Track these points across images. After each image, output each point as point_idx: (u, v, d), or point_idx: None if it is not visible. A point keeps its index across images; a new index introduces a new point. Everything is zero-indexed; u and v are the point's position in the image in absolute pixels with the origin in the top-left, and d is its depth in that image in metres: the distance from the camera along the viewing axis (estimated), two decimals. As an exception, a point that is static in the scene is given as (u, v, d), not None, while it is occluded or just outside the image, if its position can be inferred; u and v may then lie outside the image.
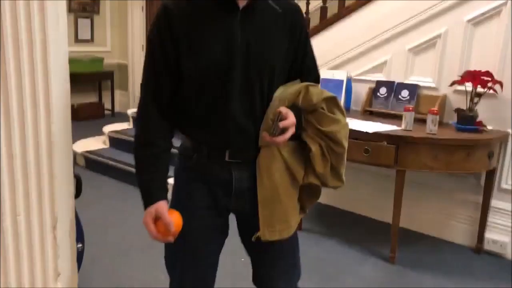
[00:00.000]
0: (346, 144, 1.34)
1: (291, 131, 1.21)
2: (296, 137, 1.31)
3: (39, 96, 1.19)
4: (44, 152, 1.23)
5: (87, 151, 4.40)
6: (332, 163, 1.34)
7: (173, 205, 1.35)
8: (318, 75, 1.43)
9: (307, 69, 1.39)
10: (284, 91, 1.29)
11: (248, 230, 1.38)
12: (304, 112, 1.32)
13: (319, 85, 1.40)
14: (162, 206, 1.24)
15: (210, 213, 1.35)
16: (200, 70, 1.24)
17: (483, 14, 2.80)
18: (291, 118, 1.20)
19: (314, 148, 1.32)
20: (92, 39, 6.64)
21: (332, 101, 1.33)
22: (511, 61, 2.73)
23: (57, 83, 1.21)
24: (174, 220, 1.21)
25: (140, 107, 1.30)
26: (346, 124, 1.35)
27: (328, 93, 1.33)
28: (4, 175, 1.21)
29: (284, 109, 1.21)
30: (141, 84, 1.31)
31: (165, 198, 1.27)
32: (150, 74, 1.29)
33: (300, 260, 1.50)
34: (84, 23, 6.44)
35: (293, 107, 1.27)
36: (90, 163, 4.32)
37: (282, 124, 1.19)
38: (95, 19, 6.64)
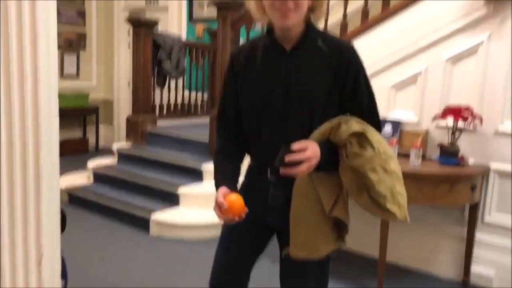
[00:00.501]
0: (373, 176, 1.39)
1: (307, 165, 1.34)
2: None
3: (28, 131, 1.19)
4: (32, 186, 1.22)
5: (71, 187, 4.34)
6: (370, 194, 1.41)
7: None
8: (373, 114, 1.53)
9: (359, 106, 1.49)
10: (323, 126, 1.43)
11: (281, 244, 1.57)
12: (339, 146, 1.44)
13: (372, 126, 1.47)
14: (219, 191, 1.46)
15: (247, 226, 1.53)
16: (247, 100, 1.53)
17: (461, 52, 2.91)
18: (304, 153, 1.33)
19: (345, 180, 1.45)
20: (77, 75, 6.67)
21: (360, 136, 1.42)
22: (490, 97, 2.82)
23: (47, 117, 1.22)
24: (228, 202, 1.41)
25: (216, 128, 1.67)
26: (372, 157, 1.41)
27: (357, 128, 1.42)
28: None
29: (297, 144, 1.34)
30: (217, 111, 1.68)
31: (225, 185, 1.49)
32: (221, 104, 1.62)
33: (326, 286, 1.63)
34: (70, 58, 6.49)
35: (329, 141, 1.43)
36: (74, 199, 4.26)
37: (287, 157, 1.32)
38: (81, 54, 6.70)
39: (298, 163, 1.33)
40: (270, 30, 1.50)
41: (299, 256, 1.48)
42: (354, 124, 1.43)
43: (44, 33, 1.18)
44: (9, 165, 1.22)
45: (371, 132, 1.44)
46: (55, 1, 1.26)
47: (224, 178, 1.54)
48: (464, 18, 2.86)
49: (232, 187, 1.50)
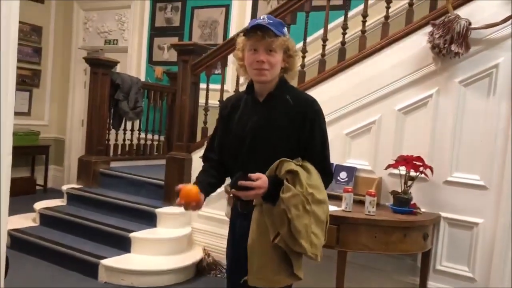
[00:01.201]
0: (294, 211, 1.64)
1: (254, 192, 1.65)
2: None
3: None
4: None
5: (14, 229, 4.09)
6: (289, 227, 1.65)
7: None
8: (324, 160, 1.85)
9: (311, 152, 1.81)
10: (274, 164, 1.72)
11: (241, 272, 1.76)
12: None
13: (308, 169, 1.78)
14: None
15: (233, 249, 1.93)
16: (229, 138, 1.88)
17: (411, 104, 3.05)
18: (255, 182, 1.64)
19: (276, 211, 1.68)
20: (29, 112, 6.46)
21: (294, 174, 1.69)
22: (440, 149, 2.95)
23: (-1, 155, 1.17)
24: (185, 189, 1.70)
25: (204, 150, 2.05)
26: (296, 195, 1.66)
27: (294, 167, 1.70)
28: None
29: (255, 175, 1.65)
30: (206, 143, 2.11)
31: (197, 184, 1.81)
32: (213, 134, 2.02)
33: None
34: (22, 96, 6.29)
35: (277, 177, 1.70)
36: (16, 243, 4.00)
37: (240, 182, 1.62)
38: (34, 92, 6.51)
39: (249, 188, 1.64)
40: (250, 85, 1.88)
41: (256, 285, 1.70)
42: (292, 164, 1.71)
43: (3, 67, 1.14)
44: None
45: (304, 174, 1.72)
46: (16, 41, 1.24)
47: (197, 181, 1.87)
48: (415, 73, 3.03)
49: (199, 186, 1.79)
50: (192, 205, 1.72)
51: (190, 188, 1.72)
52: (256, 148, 1.79)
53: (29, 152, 6.23)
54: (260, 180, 1.66)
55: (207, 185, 1.88)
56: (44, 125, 6.65)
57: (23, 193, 5.84)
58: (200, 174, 1.95)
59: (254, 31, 1.75)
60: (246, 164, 1.78)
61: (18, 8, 1.28)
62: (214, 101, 4.18)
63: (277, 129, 1.79)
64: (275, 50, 1.76)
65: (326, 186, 1.84)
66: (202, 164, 2.03)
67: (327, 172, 1.87)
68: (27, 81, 6.38)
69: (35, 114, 6.54)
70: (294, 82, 3.61)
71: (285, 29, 1.83)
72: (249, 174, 1.64)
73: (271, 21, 1.76)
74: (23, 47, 6.24)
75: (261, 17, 1.79)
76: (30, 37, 6.35)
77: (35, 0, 6.37)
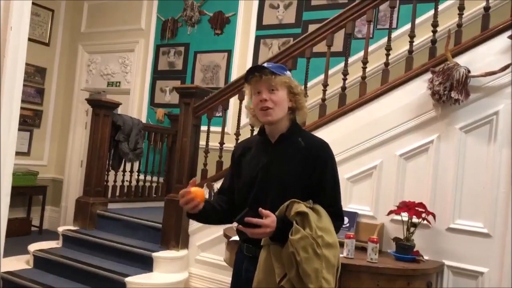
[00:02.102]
0: (303, 254, 1.61)
1: (261, 230, 1.62)
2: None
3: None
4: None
5: (7, 272, 3.98)
6: (298, 270, 1.61)
7: None
8: (334, 203, 1.83)
9: (323, 193, 1.80)
10: (284, 204, 1.72)
11: None
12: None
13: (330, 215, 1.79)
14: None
15: None
16: (241, 178, 1.90)
17: (412, 150, 3.05)
18: (263, 220, 1.61)
19: (284, 253, 1.65)
20: (28, 152, 6.45)
21: (303, 216, 1.68)
22: (442, 195, 2.92)
23: (-3, 197, 1.14)
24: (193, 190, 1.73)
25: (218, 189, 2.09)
26: (305, 237, 1.63)
27: (304, 209, 1.69)
28: None
29: (265, 211, 1.63)
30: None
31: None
32: (226, 177, 2.06)
33: None
34: (22, 136, 6.29)
35: (286, 217, 1.69)
36: (9, 286, 3.89)
37: (246, 218, 1.60)
38: (35, 132, 6.53)
39: (256, 226, 1.61)
40: (262, 128, 1.92)
41: None
42: (302, 206, 1.70)
43: (7, 110, 1.14)
44: None
45: (314, 216, 1.70)
46: (22, 83, 1.24)
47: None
48: (416, 119, 3.05)
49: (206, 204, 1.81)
50: (195, 201, 1.72)
51: (199, 188, 1.77)
52: (267, 188, 1.81)
53: (26, 192, 6.17)
54: (269, 218, 1.64)
55: (211, 205, 1.91)
56: (43, 165, 6.63)
57: (18, 234, 5.74)
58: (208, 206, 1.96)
59: (252, 73, 1.81)
60: (255, 204, 1.76)
61: (25, 52, 1.29)
62: (214, 143, 4.18)
63: (288, 171, 1.80)
64: (277, 88, 1.80)
65: (337, 230, 1.80)
66: None
67: (339, 216, 1.86)
68: (28, 121, 6.42)
69: (34, 154, 6.53)
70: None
71: (288, 72, 1.89)
72: (260, 209, 1.64)
73: (270, 65, 1.83)
74: (26, 88, 6.30)
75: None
76: (34, 78, 6.44)
77: (41, 43, 6.49)
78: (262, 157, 1.86)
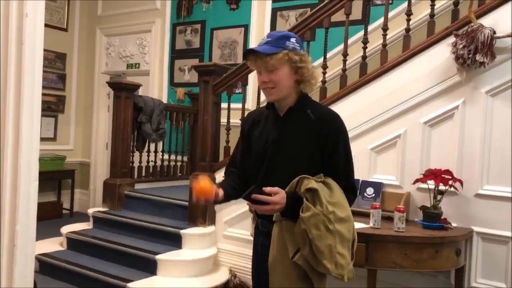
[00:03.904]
0: (314, 231, 1.60)
1: (270, 207, 1.63)
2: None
3: (6, 195, 1.13)
4: (5, 253, 1.14)
5: (42, 254, 4.13)
6: (311, 248, 1.61)
7: None
8: (347, 177, 1.80)
9: (335, 167, 1.77)
10: (294, 180, 1.70)
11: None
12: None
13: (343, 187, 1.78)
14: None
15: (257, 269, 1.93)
16: (251, 152, 1.89)
17: (437, 116, 2.99)
18: (272, 197, 1.62)
19: (297, 230, 1.65)
20: (55, 138, 6.58)
21: (314, 192, 1.65)
22: (469, 161, 2.87)
23: (26, 182, 1.17)
24: (197, 187, 1.72)
25: (226, 164, 2.11)
26: (316, 214, 1.61)
27: (314, 185, 1.66)
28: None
29: (270, 188, 1.63)
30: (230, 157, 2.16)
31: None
32: (235, 149, 2.08)
33: None
34: (47, 121, 6.43)
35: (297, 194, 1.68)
36: (44, 267, 4.04)
37: (253, 195, 1.60)
38: (59, 117, 6.65)
39: (264, 203, 1.61)
40: (270, 102, 1.86)
41: None
42: (312, 181, 1.67)
43: (28, 97, 1.15)
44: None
45: (326, 191, 1.67)
46: (41, 69, 1.25)
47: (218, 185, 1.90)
48: (440, 84, 2.97)
49: (220, 186, 1.87)
50: (202, 200, 1.76)
51: (202, 185, 1.74)
52: (277, 163, 1.79)
53: (55, 176, 6.33)
54: (278, 195, 1.64)
55: (227, 185, 1.93)
56: (69, 149, 6.77)
57: (50, 217, 5.92)
58: (222, 181, 2.03)
59: (248, 55, 1.78)
60: (266, 180, 1.76)
61: (43, 37, 1.30)
62: (235, 120, 4.18)
63: (298, 144, 1.77)
64: (275, 67, 1.72)
65: (350, 204, 1.78)
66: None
67: (352, 189, 1.82)
68: (53, 107, 6.53)
69: (60, 139, 6.67)
70: (315, 96, 3.60)
71: (290, 41, 1.75)
72: (263, 188, 1.63)
73: (269, 39, 1.74)
74: (48, 74, 6.39)
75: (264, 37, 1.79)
76: (54, 64, 6.52)
77: (59, 28, 6.54)
78: (271, 131, 1.83)
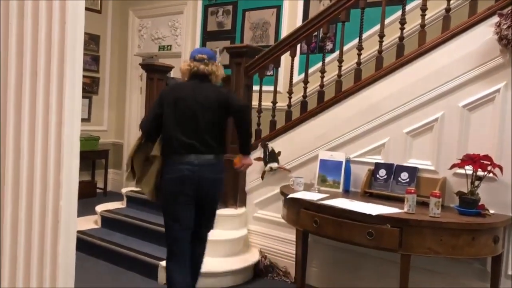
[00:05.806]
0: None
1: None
2: None
3: (50, 171, 1.16)
4: (49, 227, 1.17)
5: (78, 231, 4.24)
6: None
7: None
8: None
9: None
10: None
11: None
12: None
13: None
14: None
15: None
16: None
17: (477, 100, 2.89)
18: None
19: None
20: (89, 119, 6.72)
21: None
22: (510, 146, 2.77)
23: (68, 158, 1.19)
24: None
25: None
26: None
27: (154, 152, 2.87)
28: (5, 249, 1.14)
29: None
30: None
31: None
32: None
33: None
34: (82, 102, 6.50)
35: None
36: (80, 244, 4.14)
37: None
38: (94, 99, 6.78)
39: None
40: None
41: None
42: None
43: (70, 77, 1.17)
44: (28, 206, 1.18)
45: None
46: (82, 48, 1.26)
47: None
48: (480, 67, 2.87)
49: None
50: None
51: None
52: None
53: (90, 156, 6.49)
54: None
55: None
56: (103, 130, 6.91)
57: (84, 196, 6.07)
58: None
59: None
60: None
61: (83, 17, 1.31)
62: (267, 102, 4.16)
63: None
64: None
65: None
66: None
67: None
68: (87, 88, 6.65)
69: (94, 120, 6.81)
70: (349, 79, 3.53)
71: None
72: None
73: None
74: (83, 56, 6.49)
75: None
76: (89, 46, 6.62)
77: (93, 10, 6.62)
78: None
